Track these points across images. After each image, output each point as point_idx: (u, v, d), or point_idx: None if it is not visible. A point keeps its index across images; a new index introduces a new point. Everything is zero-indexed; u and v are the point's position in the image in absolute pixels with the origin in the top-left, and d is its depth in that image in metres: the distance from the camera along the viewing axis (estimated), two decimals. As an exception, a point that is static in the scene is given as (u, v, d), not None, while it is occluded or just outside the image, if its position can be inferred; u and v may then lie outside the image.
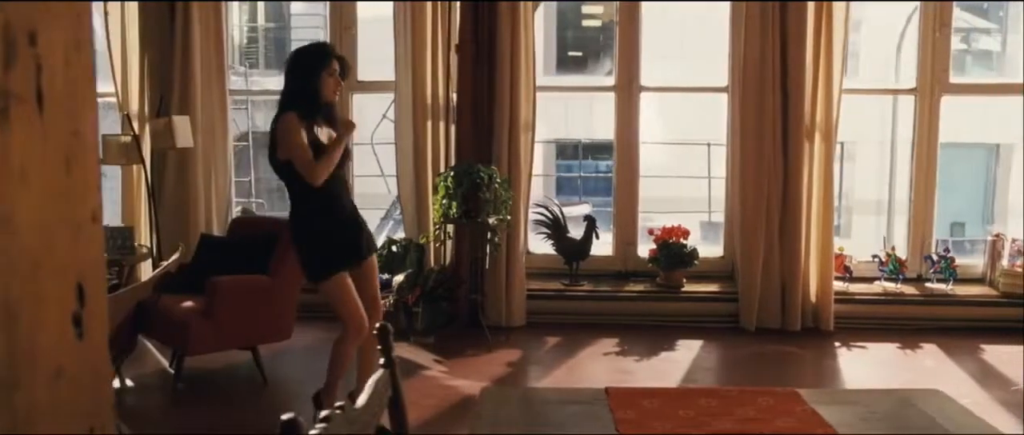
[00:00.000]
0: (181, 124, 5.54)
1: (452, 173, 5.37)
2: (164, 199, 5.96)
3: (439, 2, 5.78)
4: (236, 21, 13.84)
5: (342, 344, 3.89)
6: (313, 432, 1.41)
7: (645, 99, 6.68)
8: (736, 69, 5.77)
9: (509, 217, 5.55)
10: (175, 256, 4.41)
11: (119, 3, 5.90)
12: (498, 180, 5.38)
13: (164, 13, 5.85)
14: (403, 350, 5.36)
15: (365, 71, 6.38)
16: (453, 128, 5.86)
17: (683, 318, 5.89)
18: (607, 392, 2.27)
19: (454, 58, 5.80)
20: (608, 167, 15.14)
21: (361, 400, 1.61)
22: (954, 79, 6.34)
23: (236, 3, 11.07)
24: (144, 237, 5.94)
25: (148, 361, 5.12)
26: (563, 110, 13.03)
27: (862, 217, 13.58)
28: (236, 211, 6.42)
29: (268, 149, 3.76)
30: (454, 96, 5.84)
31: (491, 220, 5.34)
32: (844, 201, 15.62)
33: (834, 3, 5.64)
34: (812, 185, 5.75)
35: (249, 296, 4.66)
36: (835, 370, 5.19)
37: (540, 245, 6.22)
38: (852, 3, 5.76)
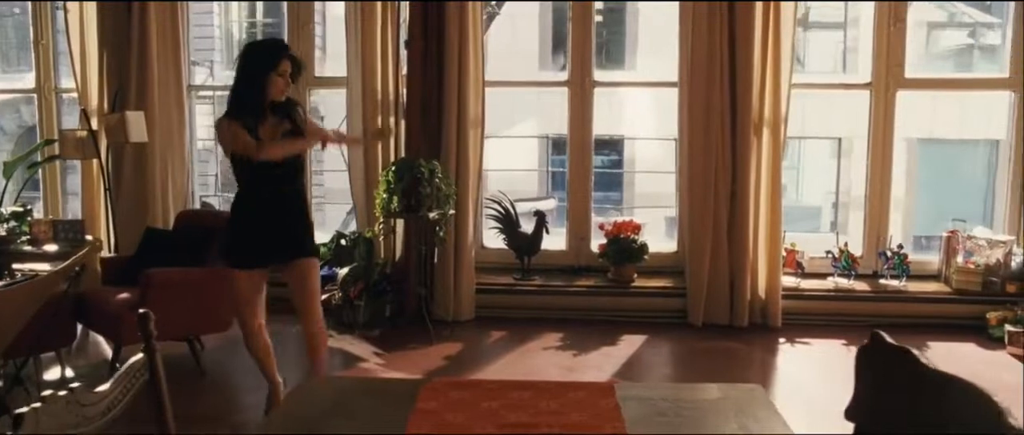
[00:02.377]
0: (135, 119, 5.65)
1: (393, 168, 5.43)
2: (122, 193, 6.08)
3: (389, 1, 5.85)
4: (235, 17, 14.03)
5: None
6: (20, 410, 1.46)
7: (641, 94, 6.68)
8: (684, 64, 5.76)
9: (452, 211, 5.60)
10: (85, 250, 4.50)
11: (78, 2, 6.03)
12: (439, 175, 5.42)
13: (122, 12, 5.96)
14: (346, 343, 5.44)
15: (331, 67, 6.47)
16: (403, 123, 5.92)
17: (632, 313, 5.91)
18: (422, 383, 2.32)
19: (404, 55, 5.87)
20: (603, 162, 15.17)
21: (105, 385, 1.67)
22: (960, 74, 6.28)
23: (220, 2, 11.12)
24: (103, 231, 6.07)
25: (95, 353, 5.24)
26: (559, 105, 13.03)
27: (858, 213, 13.43)
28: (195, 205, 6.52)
29: None
30: (404, 92, 5.90)
31: (432, 214, 5.38)
32: (841, 197, 15.50)
33: (783, 2, 5.61)
34: (760, 180, 5.74)
35: (183, 288, 4.74)
36: (771, 367, 5.18)
37: (495, 240, 6.27)
38: (801, 2, 5.74)
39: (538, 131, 13.57)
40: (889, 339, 1.72)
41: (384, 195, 5.41)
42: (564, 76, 6.43)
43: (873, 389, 1.71)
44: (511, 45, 12.91)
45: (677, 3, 5.77)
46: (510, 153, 12.82)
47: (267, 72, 3.64)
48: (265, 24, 13.80)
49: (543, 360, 5.17)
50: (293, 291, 3.91)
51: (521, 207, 6.28)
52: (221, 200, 7.84)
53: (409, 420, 2.03)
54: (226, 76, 12.88)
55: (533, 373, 4.86)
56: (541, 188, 14.06)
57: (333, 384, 2.39)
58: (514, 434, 1.96)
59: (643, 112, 12.35)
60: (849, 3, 14.26)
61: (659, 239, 7.30)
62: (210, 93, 9.09)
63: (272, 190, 3.79)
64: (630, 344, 5.47)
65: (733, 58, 5.64)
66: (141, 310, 1.90)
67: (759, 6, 5.59)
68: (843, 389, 4.75)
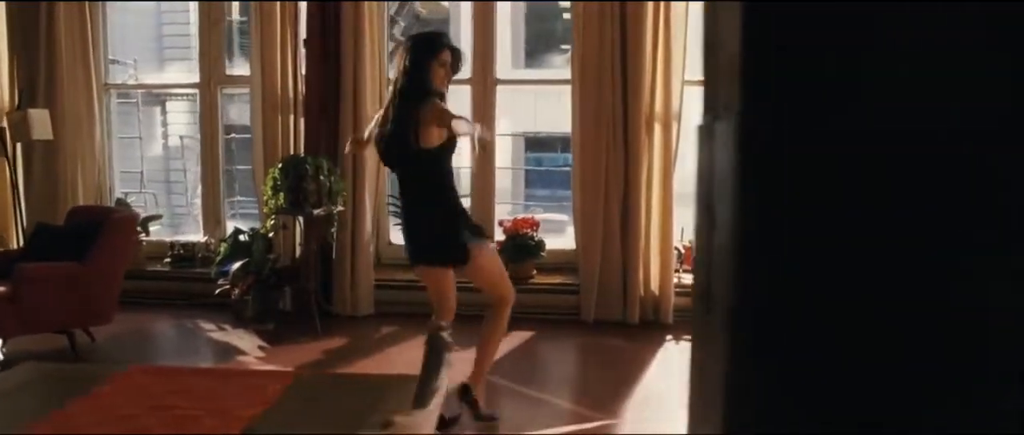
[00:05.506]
0: (38, 117, 5.78)
1: (280, 165, 5.51)
2: (33, 190, 6.22)
3: (288, 1, 5.94)
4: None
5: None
6: None
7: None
8: (576, 62, 5.78)
9: (340, 208, 5.67)
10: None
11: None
12: (326, 172, 5.49)
13: (31, 11, 6.10)
14: (235, 337, 5.54)
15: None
16: (301, 122, 6.00)
17: (528, 310, 5.89)
18: (128, 369, 2.39)
19: (303, 54, 5.95)
20: (568, 160, 15.14)
21: None
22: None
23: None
24: (12, 228, 6.21)
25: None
26: (532, 104, 13.09)
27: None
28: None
29: (400, 139, 3.66)
30: (302, 90, 5.99)
31: (316, 211, 5.45)
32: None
33: (673, 2, 5.62)
34: (652, 177, 5.74)
35: (57, 282, 4.86)
36: (639, 362, 5.15)
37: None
38: (692, 2, 5.73)
39: (511, 129, 13.62)
40: (444, 333, 1.77)
41: (270, 191, 5.49)
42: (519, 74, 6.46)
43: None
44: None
45: (569, 2, 5.80)
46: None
47: (428, 61, 3.66)
48: (239, 21, 13.94)
49: (417, 355, 5.21)
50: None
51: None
52: (147, 198, 7.97)
53: (70, 403, 2.10)
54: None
55: (399, 367, 4.91)
56: (516, 186, 14.11)
57: (36, 369, 2.46)
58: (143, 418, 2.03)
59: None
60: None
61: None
62: (134, 93, 9.22)
63: (409, 192, 3.87)
64: (515, 340, 5.49)
65: (624, 56, 5.66)
66: None
67: (650, 5, 5.60)
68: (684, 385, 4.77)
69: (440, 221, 3.78)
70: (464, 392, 3.98)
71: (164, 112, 13.48)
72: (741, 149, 0.82)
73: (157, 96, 13.34)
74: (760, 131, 0.81)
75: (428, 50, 3.67)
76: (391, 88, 3.84)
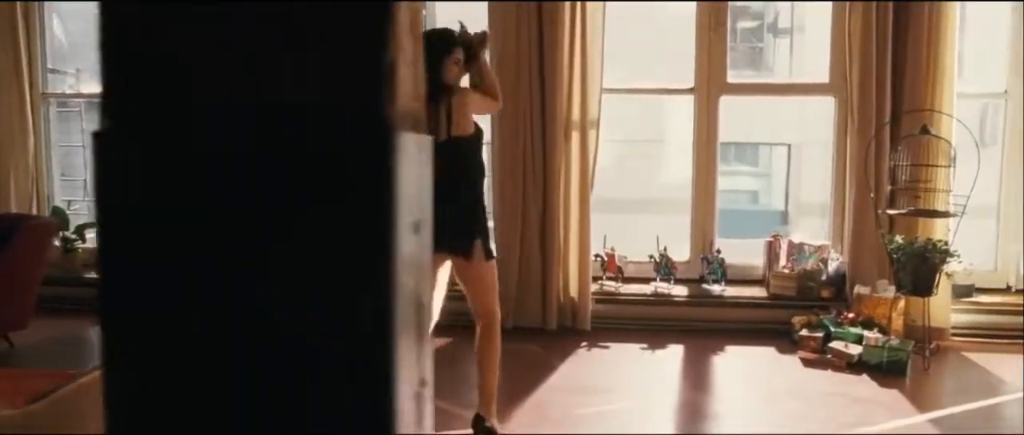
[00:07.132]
0: (-34, 126, 5.87)
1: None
2: (-34, 198, 6.32)
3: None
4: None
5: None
6: None
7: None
8: (494, 66, 5.81)
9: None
10: None
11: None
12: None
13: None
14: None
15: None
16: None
17: (452, 316, 5.95)
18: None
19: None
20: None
21: None
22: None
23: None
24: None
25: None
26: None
27: (809, 218, 13.42)
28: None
29: None
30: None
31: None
32: (791, 202, 15.39)
33: (589, 3, 5.66)
34: (570, 184, 5.76)
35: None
36: (542, 370, 5.17)
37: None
38: (609, 3, 5.75)
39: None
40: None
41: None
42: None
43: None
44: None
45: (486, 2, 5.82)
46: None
47: (442, 58, 3.75)
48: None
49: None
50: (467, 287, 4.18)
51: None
52: (90, 204, 8.06)
53: None
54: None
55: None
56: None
57: None
58: None
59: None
60: (795, 8, 14.15)
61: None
62: (78, 102, 9.32)
63: (443, 174, 3.88)
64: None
65: (541, 59, 5.69)
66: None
67: (566, 6, 5.63)
68: (566, 391, 4.75)
69: (475, 211, 3.84)
70: (477, 423, 3.98)
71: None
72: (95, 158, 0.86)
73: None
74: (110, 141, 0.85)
75: (443, 49, 3.76)
76: None
